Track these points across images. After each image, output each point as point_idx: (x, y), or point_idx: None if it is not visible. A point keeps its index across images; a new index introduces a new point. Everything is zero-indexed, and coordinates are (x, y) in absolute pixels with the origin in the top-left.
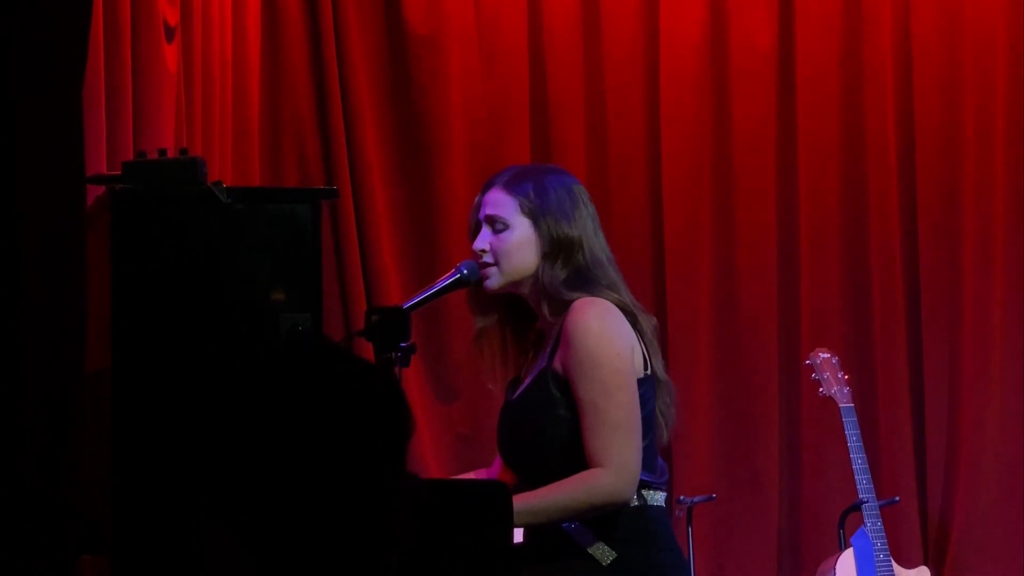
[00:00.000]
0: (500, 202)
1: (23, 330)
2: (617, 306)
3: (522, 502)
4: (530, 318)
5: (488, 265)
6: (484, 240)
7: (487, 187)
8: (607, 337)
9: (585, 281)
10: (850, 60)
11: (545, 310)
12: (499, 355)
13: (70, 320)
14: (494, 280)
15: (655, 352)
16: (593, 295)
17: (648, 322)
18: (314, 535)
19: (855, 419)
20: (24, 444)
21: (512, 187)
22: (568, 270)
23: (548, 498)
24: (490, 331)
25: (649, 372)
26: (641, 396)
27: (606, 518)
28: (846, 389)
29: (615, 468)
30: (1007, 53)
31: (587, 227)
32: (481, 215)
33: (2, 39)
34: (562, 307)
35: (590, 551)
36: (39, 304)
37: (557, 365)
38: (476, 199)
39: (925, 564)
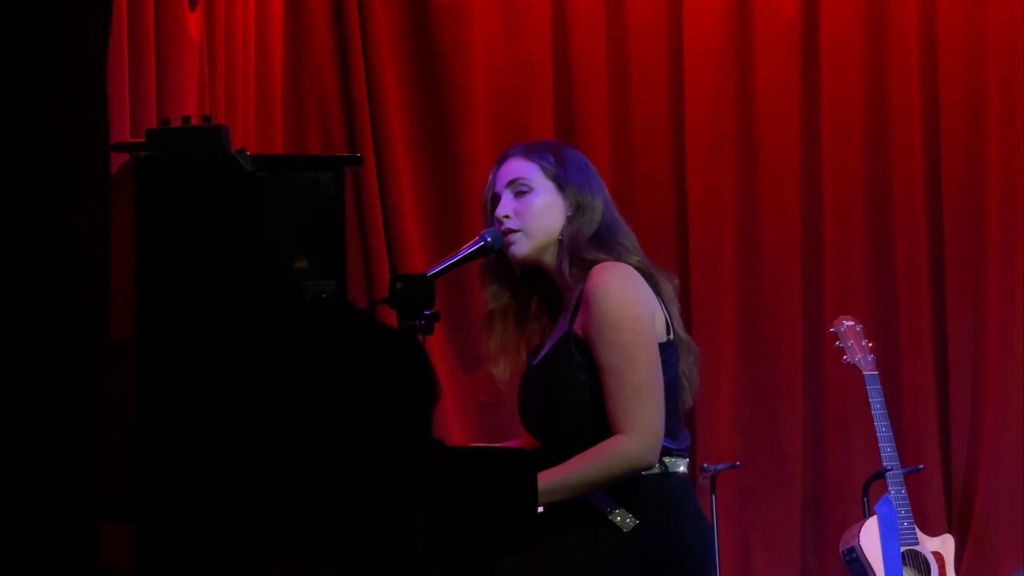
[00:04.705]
0: (521, 168)
1: (46, 298)
2: (637, 268)
3: (546, 480)
4: (543, 294)
5: (512, 231)
6: (507, 206)
7: (501, 161)
8: (627, 300)
9: (607, 241)
10: (874, 26)
11: (566, 270)
12: (508, 339)
13: (94, 288)
14: (521, 246)
15: (676, 314)
16: (614, 258)
17: (668, 283)
18: (340, 502)
19: (879, 387)
20: (47, 412)
21: (531, 154)
22: (592, 229)
23: (572, 473)
24: (501, 313)
25: (671, 337)
26: (664, 361)
27: (627, 485)
28: (870, 357)
29: (638, 432)
30: None
31: (603, 192)
32: (499, 186)
33: (25, 7)
34: (583, 267)
35: (611, 518)
36: (62, 272)
37: (577, 329)
38: (490, 177)
39: (949, 532)
